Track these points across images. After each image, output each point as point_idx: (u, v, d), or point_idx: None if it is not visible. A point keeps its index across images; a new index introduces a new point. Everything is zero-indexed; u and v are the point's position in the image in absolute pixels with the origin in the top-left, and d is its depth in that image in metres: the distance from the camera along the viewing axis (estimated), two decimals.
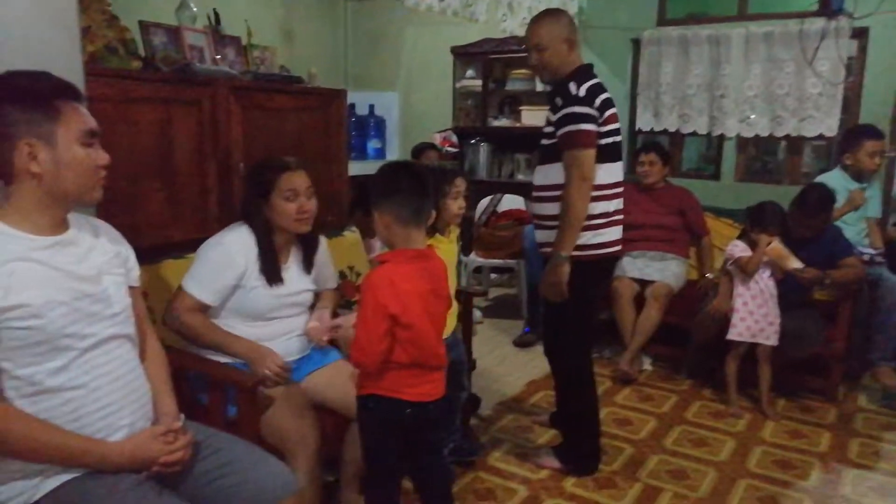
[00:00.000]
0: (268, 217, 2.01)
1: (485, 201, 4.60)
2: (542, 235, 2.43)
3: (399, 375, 1.68)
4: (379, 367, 1.65)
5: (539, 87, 4.74)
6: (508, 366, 3.64)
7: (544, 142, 2.37)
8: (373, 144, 5.31)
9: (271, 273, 2.01)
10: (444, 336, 1.83)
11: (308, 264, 2.16)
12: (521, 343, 3.95)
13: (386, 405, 1.70)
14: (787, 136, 3.96)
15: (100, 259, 1.47)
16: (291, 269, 2.11)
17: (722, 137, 4.19)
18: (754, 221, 3.07)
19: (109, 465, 1.36)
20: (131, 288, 1.56)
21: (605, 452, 2.68)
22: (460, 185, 2.27)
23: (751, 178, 4.24)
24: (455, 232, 2.35)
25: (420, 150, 4.14)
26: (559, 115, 2.24)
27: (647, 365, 3.62)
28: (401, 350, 1.66)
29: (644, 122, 4.39)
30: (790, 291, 3.05)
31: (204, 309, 1.97)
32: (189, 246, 2.14)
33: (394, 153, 5.42)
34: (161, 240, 2.32)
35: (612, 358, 3.57)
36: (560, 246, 2.26)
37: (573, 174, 2.20)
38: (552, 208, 2.31)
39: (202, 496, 1.46)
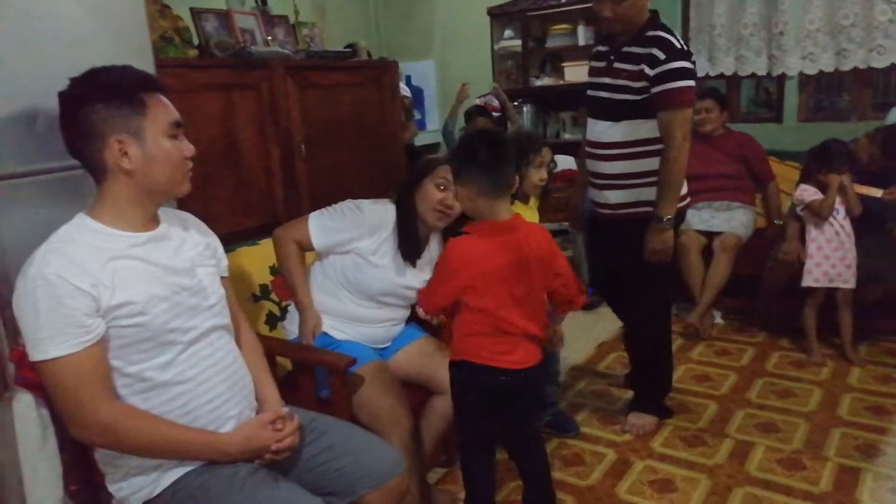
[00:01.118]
0: (415, 201, 2.00)
1: None
2: (619, 196, 2.30)
3: (486, 343, 1.68)
4: (437, 312, 1.79)
5: (581, 41, 4.59)
6: (575, 329, 3.57)
7: (616, 96, 2.22)
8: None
9: (409, 251, 2.00)
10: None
11: None
12: (585, 306, 3.88)
13: (477, 372, 1.70)
14: (854, 70, 3.76)
15: (192, 252, 1.45)
16: (420, 262, 2.08)
17: (783, 77, 4.00)
18: (821, 162, 2.95)
19: (225, 456, 1.36)
20: (222, 278, 1.54)
21: (689, 410, 2.64)
22: (546, 155, 2.25)
23: (816, 118, 4.04)
24: (535, 200, 2.31)
25: (470, 115, 4.07)
26: (661, 69, 2.08)
27: (718, 319, 3.55)
28: (479, 318, 1.66)
29: (698, 68, 4.16)
30: (862, 226, 2.94)
31: (306, 247, 2.01)
32: (260, 232, 2.12)
33: (434, 123, 5.34)
34: (232, 227, 2.31)
35: (681, 314, 3.50)
36: (664, 209, 2.18)
37: (677, 134, 2.10)
38: (631, 166, 2.23)
39: (311, 480, 1.45)
